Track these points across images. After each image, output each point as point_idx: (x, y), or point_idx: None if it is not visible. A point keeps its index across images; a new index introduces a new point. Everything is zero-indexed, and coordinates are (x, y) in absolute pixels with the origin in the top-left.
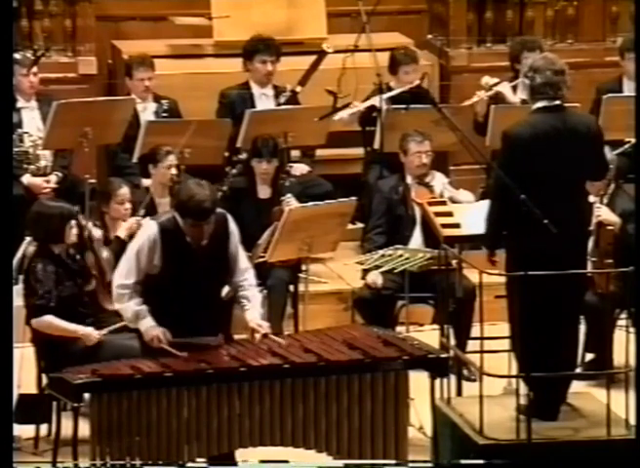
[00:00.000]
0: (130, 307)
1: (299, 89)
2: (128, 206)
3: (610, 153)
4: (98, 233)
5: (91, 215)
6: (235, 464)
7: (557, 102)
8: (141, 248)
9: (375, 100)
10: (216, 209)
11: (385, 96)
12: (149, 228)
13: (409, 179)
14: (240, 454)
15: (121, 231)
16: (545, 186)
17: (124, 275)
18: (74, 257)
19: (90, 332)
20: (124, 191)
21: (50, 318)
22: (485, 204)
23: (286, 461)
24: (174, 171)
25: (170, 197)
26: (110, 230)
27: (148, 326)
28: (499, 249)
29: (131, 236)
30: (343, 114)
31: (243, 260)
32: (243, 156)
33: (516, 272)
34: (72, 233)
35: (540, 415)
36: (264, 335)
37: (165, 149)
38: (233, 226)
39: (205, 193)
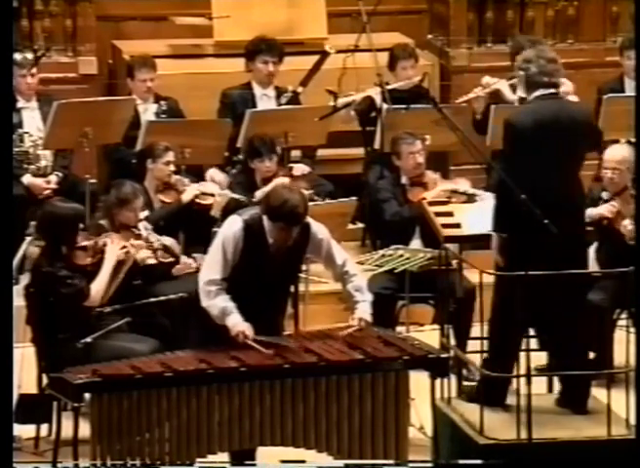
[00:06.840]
0: (217, 304)
1: (300, 90)
2: (141, 215)
3: (630, 152)
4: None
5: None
6: (254, 465)
7: (553, 90)
8: (227, 243)
9: (371, 92)
10: (307, 213)
11: (378, 92)
12: (234, 224)
13: (404, 180)
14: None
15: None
16: (547, 170)
17: (210, 271)
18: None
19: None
20: (139, 201)
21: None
22: (484, 204)
23: (303, 461)
24: (172, 168)
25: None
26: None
27: (236, 321)
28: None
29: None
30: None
31: (339, 256)
32: (243, 156)
33: (511, 272)
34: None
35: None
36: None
37: (164, 145)
38: (315, 229)
39: (297, 198)
